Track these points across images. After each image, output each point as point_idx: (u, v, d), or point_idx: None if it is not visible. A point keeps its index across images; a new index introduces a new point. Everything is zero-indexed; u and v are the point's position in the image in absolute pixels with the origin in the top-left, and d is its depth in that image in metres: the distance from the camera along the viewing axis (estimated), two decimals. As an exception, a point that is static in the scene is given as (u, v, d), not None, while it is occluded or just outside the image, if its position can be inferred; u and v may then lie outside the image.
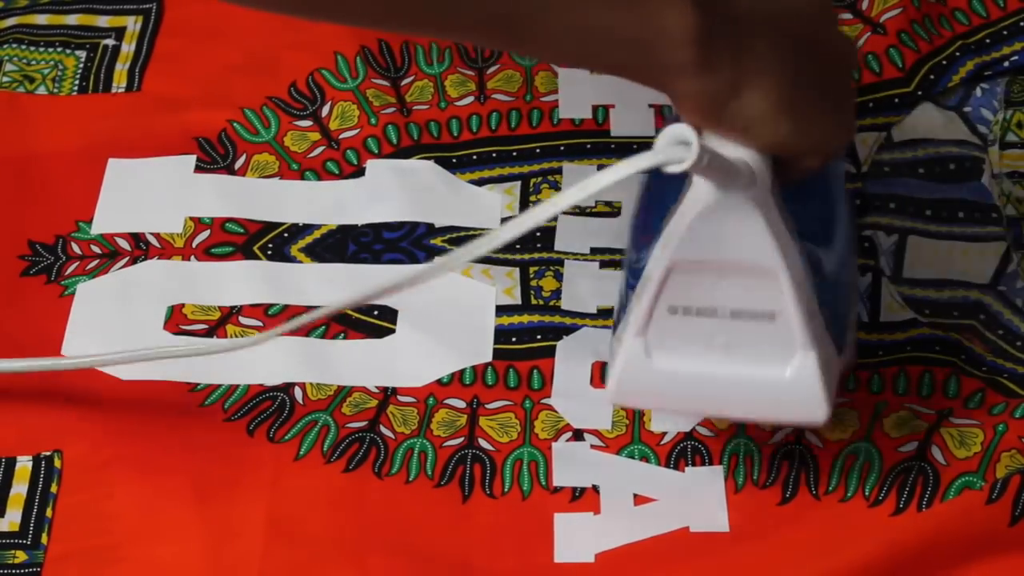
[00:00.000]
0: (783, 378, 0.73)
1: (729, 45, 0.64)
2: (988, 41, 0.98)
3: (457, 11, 0.63)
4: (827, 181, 0.80)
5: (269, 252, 0.92)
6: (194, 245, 0.93)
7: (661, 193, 0.74)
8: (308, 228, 0.93)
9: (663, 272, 0.70)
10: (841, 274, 0.78)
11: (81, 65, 1.01)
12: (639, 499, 0.82)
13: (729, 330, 0.73)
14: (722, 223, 0.68)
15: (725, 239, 0.69)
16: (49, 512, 0.82)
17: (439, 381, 0.86)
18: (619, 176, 0.63)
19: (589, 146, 0.97)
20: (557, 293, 0.90)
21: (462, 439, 0.84)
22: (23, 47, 1.02)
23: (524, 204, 0.94)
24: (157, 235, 0.93)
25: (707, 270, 0.71)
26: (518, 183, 0.95)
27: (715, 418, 0.82)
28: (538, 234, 0.93)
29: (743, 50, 0.65)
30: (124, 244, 0.93)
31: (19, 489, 0.83)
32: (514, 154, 0.97)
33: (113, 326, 0.90)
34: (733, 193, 0.67)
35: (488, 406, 0.86)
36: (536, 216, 0.64)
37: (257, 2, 0.64)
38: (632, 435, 0.84)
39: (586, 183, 0.63)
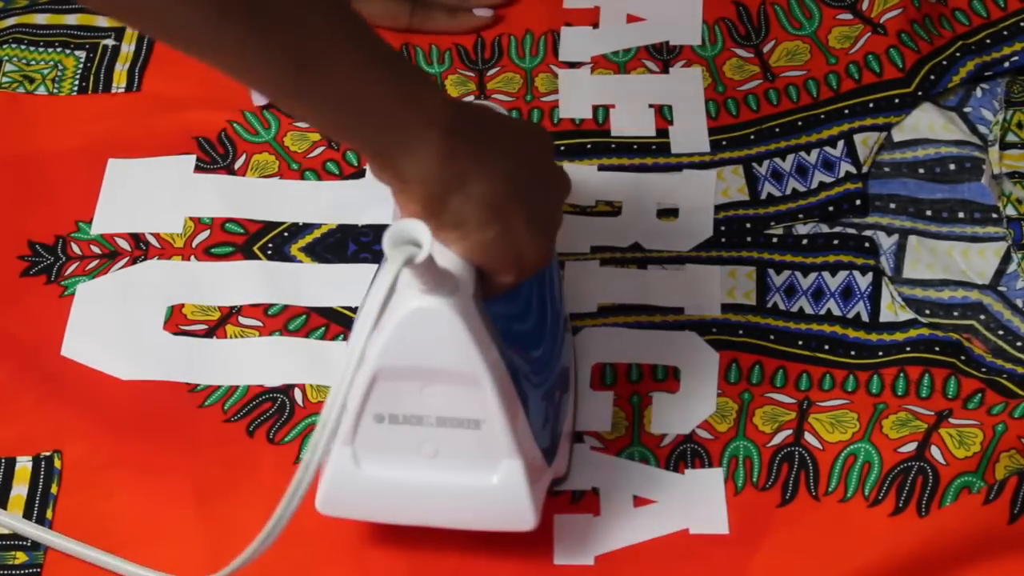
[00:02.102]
0: (490, 485, 0.74)
1: (467, 142, 0.69)
2: (988, 41, 0.98)
3: (249, 38, 0.64)
4: (538, 291, 0.81)
5: (269, 252, 0.92)
6: (194, 245, 0.93)
7: None
8: (308, 227, 0.93)
9: (368, 380, 0.70)
10: (551, 384, 0.78)
11: (81, 65, 1.01)
12: (639, 501, 0.82)
13: (436, 438, 0.73)
14: (425, 330, 0.69)
15: (428, 346, 0.69)
16: (49, 513, 0.82)
17: (439, 381, 0.87)
18: (378, 307, 0.65)
19: (589, 146, 0.97)
20: (557, 293, 0.90)
21: (462, 440, 0.84)
22: (23, 47, 1.02)
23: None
24: (157, 235, 0.93)
25: (411, 378, 0.71)
26: (518, 182, 0.95)
27: (428, 526, 0.79)
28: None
29: (478, 151, 0.69)
30: (124, 244, 0.93)
31: (19, 490, 0.83)
32: (514, 154, 0.96)
33: (113, 326, 0.90)
34: (436, 300, 0.68)
35: (488, 407, 0.85)
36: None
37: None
38: (632, 437, 0.84)
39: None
